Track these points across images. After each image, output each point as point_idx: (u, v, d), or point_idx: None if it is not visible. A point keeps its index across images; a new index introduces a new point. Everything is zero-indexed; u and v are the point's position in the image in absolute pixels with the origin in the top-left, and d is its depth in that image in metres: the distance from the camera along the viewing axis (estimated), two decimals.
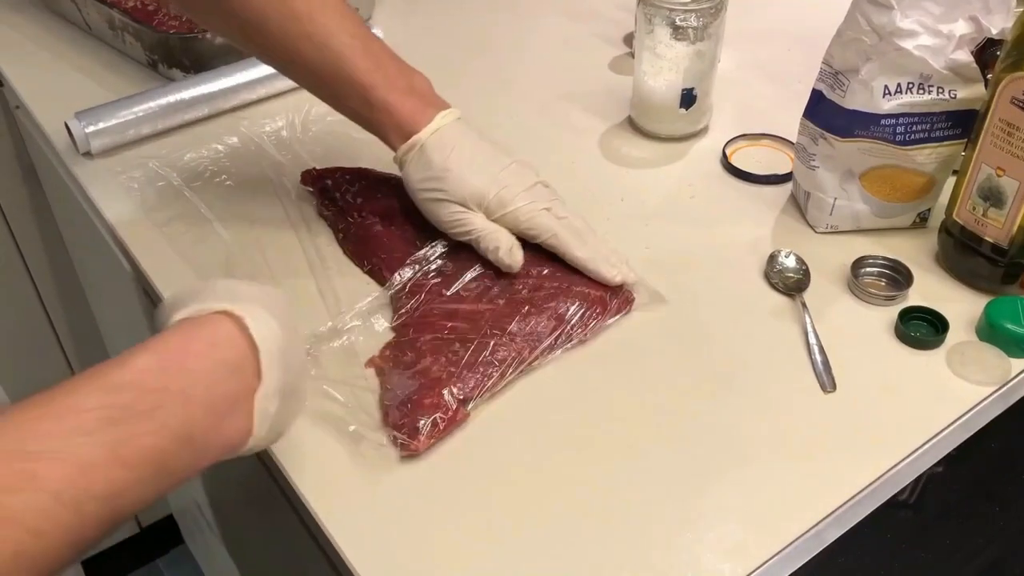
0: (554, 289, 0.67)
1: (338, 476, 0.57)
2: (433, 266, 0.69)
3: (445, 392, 0.59)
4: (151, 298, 0.74)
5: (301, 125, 0.88)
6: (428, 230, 0.71)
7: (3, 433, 0.36)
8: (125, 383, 0.40)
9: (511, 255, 0.67)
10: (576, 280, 0.67)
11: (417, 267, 0.69)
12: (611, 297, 0.67)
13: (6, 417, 0.37)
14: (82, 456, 0.37)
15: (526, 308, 0.65)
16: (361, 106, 0.68)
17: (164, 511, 1.50)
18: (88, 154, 0.83)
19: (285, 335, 0.47)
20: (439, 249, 0.70)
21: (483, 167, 0.68)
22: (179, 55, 0.92)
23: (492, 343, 0.62)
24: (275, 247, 0.74)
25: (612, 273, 0.67)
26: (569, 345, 0.65)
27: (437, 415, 0.58)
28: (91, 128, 0.82)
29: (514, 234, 0.68)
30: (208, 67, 0.91)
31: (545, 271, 0.68)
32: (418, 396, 0.59)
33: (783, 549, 0.53)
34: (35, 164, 1.09)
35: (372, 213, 0.74)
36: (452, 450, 0.58)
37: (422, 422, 0.58)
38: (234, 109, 0.90)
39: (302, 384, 0.51)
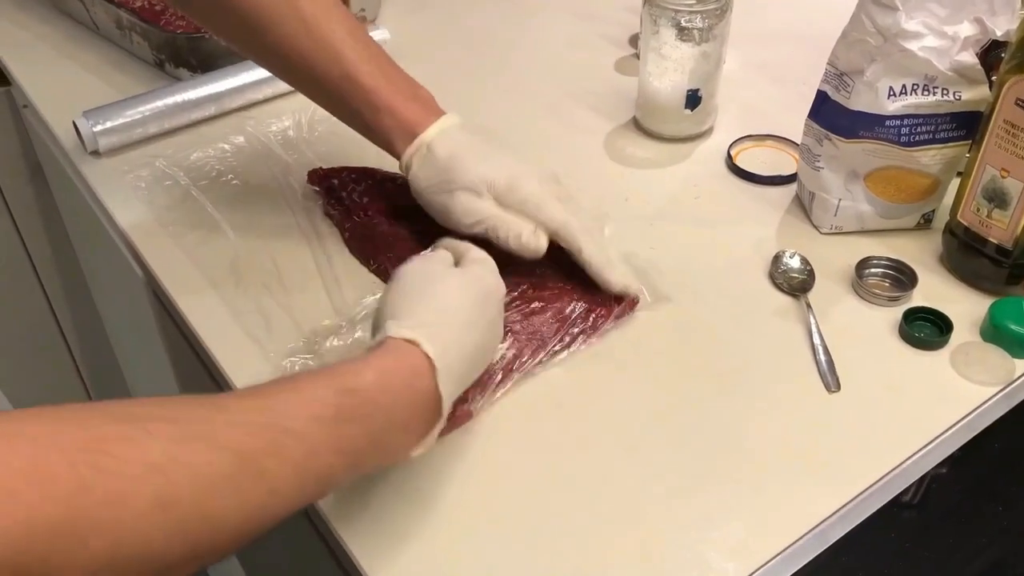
0: (558, 289, 0.67)
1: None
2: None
3: None
4: (158, 297, 0.75)
5: (307, 125, 0.88)
6: (434, 229, 0.72)
7: (263, 406, 0.44)
8: (356, 390, 0.47)
9: (536, 237, 0.64)
10: (580, 281, 0.67)
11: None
12: (615, 299, 0.67)
13: (263, 391, 0.45)
14: (316, 440, 0.44)
15: (530, 308, 0.65)
16: (365, 109, 0.67)
17: None
18: (96, 153, 0.84)
19: (465, 367, 0.54)
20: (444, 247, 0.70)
21: (491, 156, 0.67)
22: (186, 55, 0.92)
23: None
24: (281, 246, 0.74)
25: (616, 278, 0.66)
26: (573, 345, 0.65)
27: None
28: (99, 127, 0.82)
29: None
30: (215, 67, 0.91)
31: (549, 271, 0.68)
32: None
33: (787, 548, 0.53)
34: (42, 163, 1.10)
35: (378, 212, 0.74)
36: (456, 449, 0.59)
37: None
38: (241, 109, 0.90)
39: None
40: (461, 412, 0.59)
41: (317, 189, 0.79)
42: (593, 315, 0.66)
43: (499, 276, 0.60)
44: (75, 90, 0.94)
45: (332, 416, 0.45)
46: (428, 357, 0.50)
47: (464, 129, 0.69)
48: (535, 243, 0.64)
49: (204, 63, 0.92)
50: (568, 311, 0.65)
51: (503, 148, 0.69)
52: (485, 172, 0.65)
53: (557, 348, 0.64)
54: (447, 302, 0.55)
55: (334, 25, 0.66)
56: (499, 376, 0.61)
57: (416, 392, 0.50)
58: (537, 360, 0.63)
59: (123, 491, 0.36)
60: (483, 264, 0.59)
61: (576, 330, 0.65)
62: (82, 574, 0.34)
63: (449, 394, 0.51)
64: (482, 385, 0.60)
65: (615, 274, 0.66)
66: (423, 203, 0.69)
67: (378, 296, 0.68)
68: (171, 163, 0.84)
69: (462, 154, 0.66)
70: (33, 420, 0.35)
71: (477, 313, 0.56)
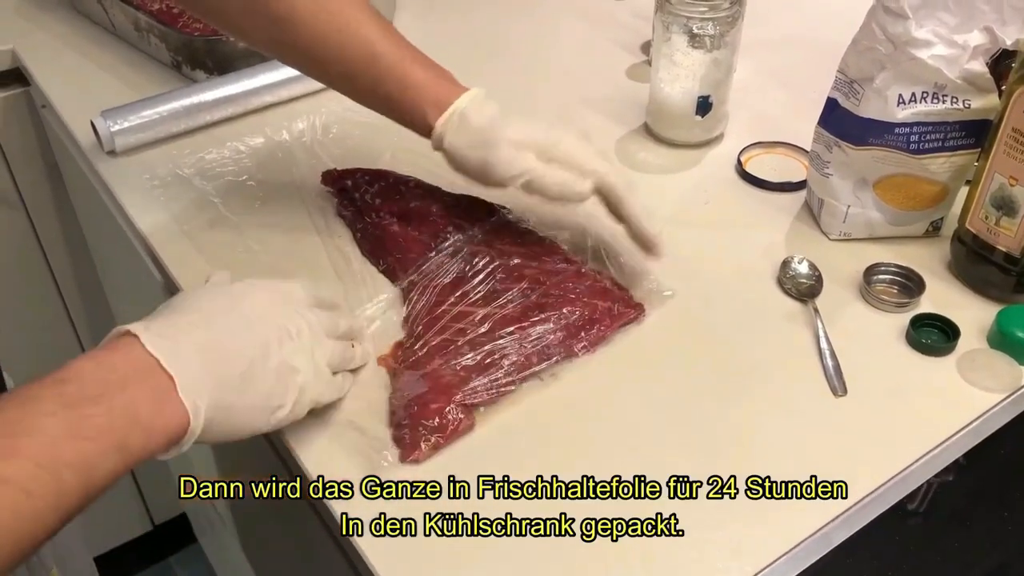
0: (564, 295, 0.67)
1: (357, 476, 0.58)
2: (445, 267, 0.70)
3: (452, 401, 0.60)
4: (172, 294, 0.76)
5: (322, 127, 0.89)
6: (445, 232, 0.72)
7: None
8: (70, 377, 0.46)
9: (582, 182, 0.66)
10: (587, 287, 0.68)
11: (430, 267, 0.70)
12: (622, 304, 0.67)
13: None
14: (49, 431, 0.43)
15: (536, 313, 0.66)
16: (395, 87, 0.68)
17: (177, 509, 1.52)
18: (112, 152, 0.85)
19: (202, 348, 0.51)
20: (453, 250, 0.71)
21: (526, 119, 0.69)
22: (203, 57, 0.93)
23: (501, 347, 0.63)
24: (295, 246, 0.75)
25: (655, 229, 0.68)
26: (579, 350, 0.65)
27: (441, 421, 0.59)
28: (116, 127, 0.83)
29: None
30: (231, 69, 0.93)
31: (556, 277, 0.69)
32: (425, 400, 0.60)
33: (791, 550, 0.53)
34: (59, 163, 1.11)
35: (389, 213, 0.75)
36: (462, 453, 0.59)
37: (425, 430, 0.58)
38: (256, 110, 0.91)
39: (241, 392, 0.52)
40: (463, 423, 0.59)
41: (331, 190, 0.80)
42: (598, 323, 0.66)
43: (277, 289, 0.58)
44: (93, 91, 0.95)
45: (55, 404, 0.44)
46: (130, 332, 0.49)
47: (492, 100, 0.70)
48: (580, 187, 0.66)
49: (220, 65, 0.93)
50: (573, 319, 0.66)
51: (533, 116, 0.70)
52: (526, 129, 0.67)
53: (562, 355, 0.64)
54: (179, 301, 0.55)
55: (358, 13, 0.68)
56: (503, 381, 0.62)
57: (142, 365, 0.48)
58: (542, 365, 0.63)
59: None
60: (252, 284, 0.57)
61: (582, 336, 0.65)
62: None
63: (171, 359, 0.48)
64: (486, 390, 0.61)
65: (655, 225, 0.69)
66: (459, 165, 0.69)
67: (385, 296, 0.69)
68: (188, 164, 0.85)
69: (498, 117, 0.68)
70: None
71: (220, 306, 0.54)
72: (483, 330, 0.65)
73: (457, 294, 0.68)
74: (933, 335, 0.66)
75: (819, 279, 0.71)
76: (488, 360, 0.62)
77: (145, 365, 0.48)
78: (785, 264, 0.72)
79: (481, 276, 0.69)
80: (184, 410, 0.48)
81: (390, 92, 0.69)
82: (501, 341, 0.64)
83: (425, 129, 0.69)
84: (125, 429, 0.46)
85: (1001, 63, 0.67)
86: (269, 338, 0.54)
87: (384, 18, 0.70)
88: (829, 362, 0.64)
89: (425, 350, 0.64)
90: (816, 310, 0.68)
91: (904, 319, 0.67)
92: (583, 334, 0.65)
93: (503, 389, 0.61)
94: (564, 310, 0.66)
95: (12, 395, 0.45)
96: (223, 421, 0.51)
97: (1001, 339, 0.65)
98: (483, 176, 0.68)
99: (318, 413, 0.61)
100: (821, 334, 0.66)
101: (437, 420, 0.59)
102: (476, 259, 0.70)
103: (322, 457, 0.59)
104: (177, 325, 0.52)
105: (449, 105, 0.68)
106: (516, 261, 0.70)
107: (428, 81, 0.68)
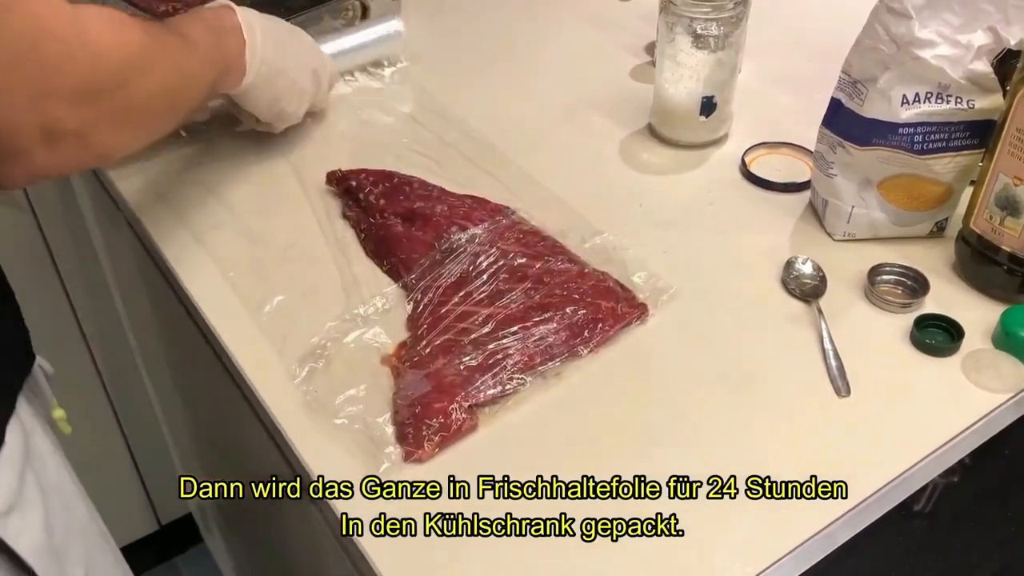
0: (568, 295, 0.67)
1: (359, 475, 0.58)
2: (449, 267, 0.70)
3: (455, 400, 0.60)
4: (179, 297, 0.76)
5: (328, 126, 0.90)
6: (448, 232, 0.73)
7: (168, 26, 0.68)
8: (206, 27, 0.71)
9: None
10: (591, 287, 0.68)
11: (434, 267, 0.70)
12: (626, 304, 0.68)
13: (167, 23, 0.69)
14: (206, 42, 0.70)
15: (540, 312, 0.66)
16: None
17: (183, 509, 1.52)
18: None
19: (267, 32, 0.77)
20: (457, 250, 0.71)
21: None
22: None
23: (504, 347, 0.63)
24: (300, 246, 0.76)
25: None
26: (582, 350, 0.65)
27: (445, 421, 0.59)
28: None
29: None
30: None
31: (560, 277, 0.69)
32: (428, 399, 0.60)
33: (794, 549, 0.53)
34: None
35: (394, 214, 0.75)
36: (464, 455, 0.59)
37: (428, 430, 0.59)
38: None
39: (285, 67, 0.79)
40: (467, 423, 0.60)
41: (335, 190, 0.80)
42: (601, 323, 0.66)
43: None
44: None
45: (208, 29, 0.71)
46: (228, 7, 0.74)
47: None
48: None
49: None
50: (576, 319, 0.66)
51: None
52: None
53: (565, 355, 0.64)
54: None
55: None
56: (506, 381, 0.62)
57: (230, 29, 0.73)
58: (545, 365, 0.63)
59: (175, 56, 0.65)
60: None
61: (584, 337, 0.65)
62: (155, 82, 0.61)
63: (252, 34, 0.74)
64: (490, 390, 0.61)
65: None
66: (248, 101, 0.80)
67: (388, 295, 0.70)
68: (193, 163, 0.85)
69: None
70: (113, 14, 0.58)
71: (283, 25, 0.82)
72: (487, 330, 0.65)
73: (461, 294, 0.68)
74: (937, 336, 0.66)
75: (823, 279, 0.71)
76: (491, 360, 0.63)
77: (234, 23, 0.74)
78: (789, 264, 0.72)
79: (485, 276, 0.69)
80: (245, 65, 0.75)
81: None
82: (504, 341, 0.64)
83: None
84: (231, 61, 0.74)
85: (1005, 63, 0.67)
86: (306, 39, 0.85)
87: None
88: (833, 362, 0.64)
89: (429, 350, 0.64)
90: (820, 310, 0.68)
91: (908, 319, 0.67)
92: (586, 334, 0.65)
93: (506, 389, 0.62)
94: (567, 310, 0.66)
95: (179, 19, 0.71)
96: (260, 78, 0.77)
97: (1005, 339, 0.65)
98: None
99: (322, 409, 0.61)
100: (825, 334, 0.66)
101: (441, 420, 0.59)
102: (480, 259, 0.70)
103: (325, 455, 0.59)
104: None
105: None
106: (520, 261, 0.70)
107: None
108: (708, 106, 0.84)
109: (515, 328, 0.65)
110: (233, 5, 0.75)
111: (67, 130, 0.53)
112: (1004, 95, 0.67)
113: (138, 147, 0.64)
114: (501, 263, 0.70)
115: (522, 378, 0.62)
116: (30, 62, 0.50)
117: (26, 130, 0.51)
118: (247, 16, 0.75)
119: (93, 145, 0.56)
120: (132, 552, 1.51)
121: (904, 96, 0.68)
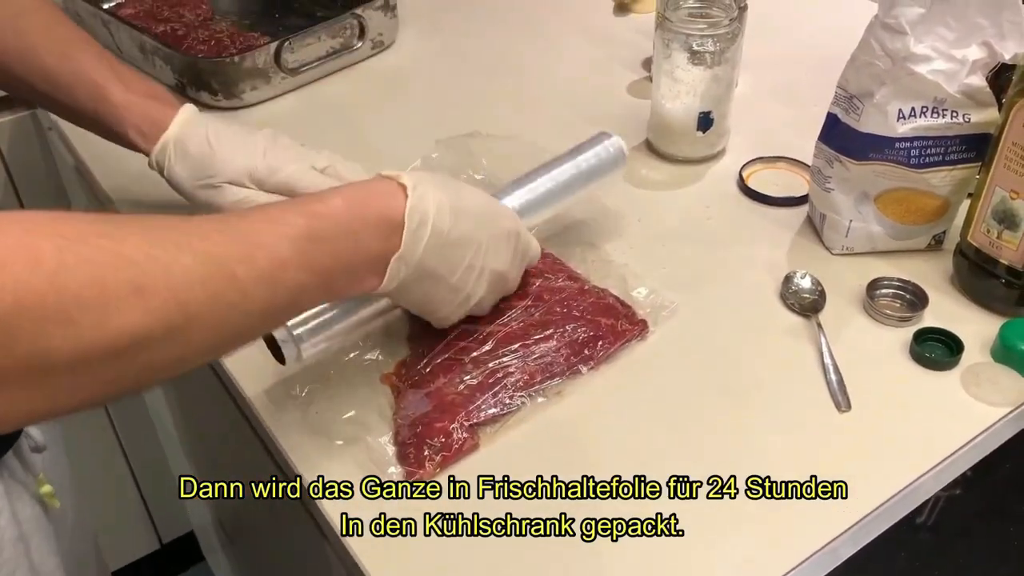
0: (568, 312, 0.67)
1: (357, 491, 0.58)
2: None
3: (456, 419, 0.60)
4: None
5: None
6: None
7: (236, 226, 0.48)
8: (323, 214, 0.51)
9: None
10: (591, 304, 0.68)
11: None
12: (626, 320, 0.68)
13: (235, 216, 0.51)
14: (284, 254, 0.48)
15: (540, 330, 0.66)
16: (98, 104, 0.69)
17: (185, 527, 1.52)
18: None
19: (441, 227, 0.57)
20: None
21: (242, 141, 0.70)
22: (207, 78, 0.94)
23: (504, 365, 0.63)
24: None
25: None
26: (582, 368, 0.65)
27: (446, 440, 0.59)
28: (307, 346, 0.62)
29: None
30: (235, 91, 0.93)
31: (560, 294, 0.69)
32: (429, 419, 0.60)
33: (797, 566, 0.53)
34: (65, 185, 1.12)
35: None
36: (465, 465, 0.60)
37: (429, 450, 0.59)
38: None
39: (449, 272, 0.59)
40: (467, 442, 0.60)
41: None
42: (602, 341, 0.66)
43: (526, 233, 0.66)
44: None
45: (300, 235, 0.49)
46: (402, 184, 0.55)
47: (202, 114, 0.72)
48: None
49: (225, 87, 0.94)
50: (577, 337, 0.66)
51: (243, 126, 0.72)
52: (243, 163, 0.69)
53: (566, 373, 0.64)
54: (452, 181, 0.61)
55: (58, 27, 0.70)
56: (507, 400, 0.62)
57: (384, 222, 0.54)
58: (546, 383, 0.63)
59: (102, 276, 0.40)
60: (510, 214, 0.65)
61: (585, 355, 0.65)
62: (71, 349, 0.38)
63: (416, 237, 0.55)
64: (490, 410, 0.61)
65: None
66: (192, 200, 0.71)
67: (388, 310, 0.70)
68: None
69: (214, 145, 0.69)
70: (27, 216, 0.39)
71: (478, 206, 0.60)
72: (487, 348, 0.65)
73: None
74: (937, 349, 0.66)
75: (822, 294, 0.71)
76: (492, 379, 0.63)
77: (389, 219, 0.54)
78: (788, 279, 0.72)
79: None
80: (382, 278, 0.55)
81: (94, 108, 0.70)
82: (505, 359, 0.64)
83: (137, 150, 0.71)
84: (338, 273, 0.53)
85: (1000, 77, 0.67)
86: (482, 239, 0.60)
87: (87, 39, 0.72)
88: (833, 377, 0.64)
89: (429, 368, 0.64)
90: (819, 325, 0.68)
91: (907, 333, 0.67)
92: (587, 352, 0.65)
93: (507, 408, 0.62)
94: (568, 327, 0.66)
95: (267, 212, 0.51)
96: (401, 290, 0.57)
97: (1005, 353, 0.65)
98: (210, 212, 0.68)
99: (322, 429, 0.61)
100: (824, 349, 0.66)
101: (442, 439, 0.59)
102: None
103: (326, 477, 0.59)
104: (429, 188, 0.57)
105: (160, 131, 0.69)
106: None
107: (133, 101, 0.69)
108: (705, 121, 0.84)
109: (516, 346, 0.65)
110: (409, 182, 0.55)
111: None
112: (999, 109, 0.67)
113: (79, 409, 0.42)
114: None
115: (523, 397, 0.62)
116: None
117: None
118: (423, 199, 0.55)
119: None
120: (134, 571, 1.51)
121: (900, 111, 0.68)
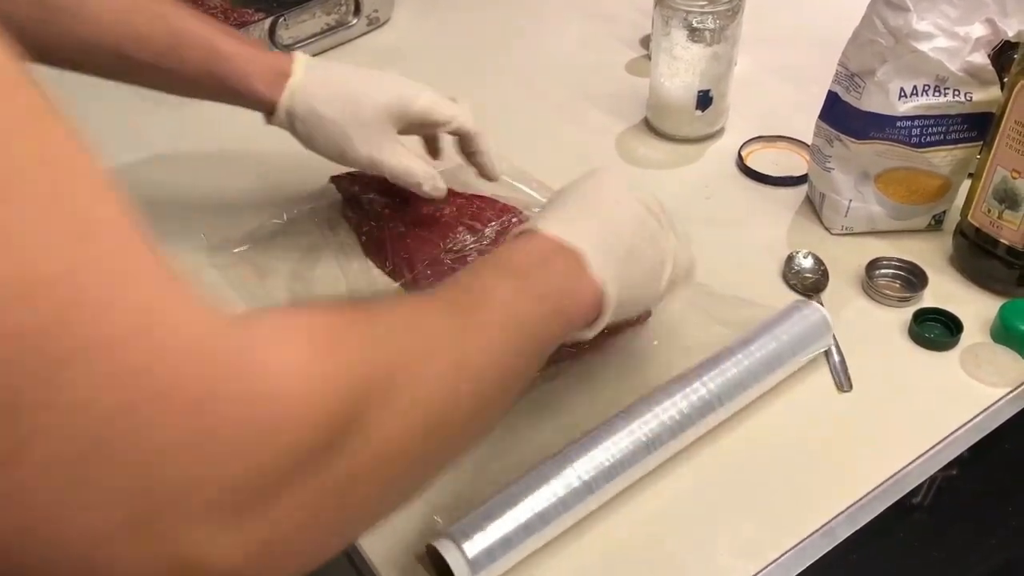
0: None
1: None
2: (454, 268, 0.70)
3: None
4: None
5: None
6: (455, 233, 0.72)
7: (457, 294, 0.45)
8: (497, 262, 0.49)
9: (434, 182, 0.69)
10: None
11: (438, 268, 0.70)
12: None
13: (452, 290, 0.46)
14: (500, 297, 0.45)
15: None
16: (211, 61, 0.64)
17: None
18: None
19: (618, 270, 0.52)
20: (462, 252, 0.70)
21: (368, 77, 0.68)
22: None
23: None
24: (301, 249, 0.75)
25: (499, 170, 0.73)
26: (584, 351, 0.64)
27: None
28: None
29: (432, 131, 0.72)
30: None
31: None
32: None
33: (795, 545, 0.53)
34: None
35: (398, 218, 0.74)
36: (471, 458, 0.59)
37: None
38: None
39: (631, 263, 0.53)
40: None
41: (338, 191, 0.79)
42: (608, 330, 0.65)
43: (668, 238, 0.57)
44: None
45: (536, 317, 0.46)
46: (578, 251, 0.50)
47: (316, 61, 0.68)
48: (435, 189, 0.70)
49: None
50: None
51: (355, 65, 0.70)
52: (383, 99, 0.67)
53: (567, 357, 0.64)
54: (555, 199, 0.55)
55: (165, 5, 0.65)
56: None
57: (583, 311, 0.50)
58: (548, 368, 0.63)
59: (430, 349, 0.38)
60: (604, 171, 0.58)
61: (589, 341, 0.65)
62: (398, 425, 0.34)
63: (607, 278, 0.50)
64: None
65: (499, 164, 0.73)
66: (313, 144, 0.68)
67: (389, 291, 0.69)
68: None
69: (347, 86, 0.67)
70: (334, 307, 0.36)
71: (639, 239, 0.54)
72: None
73: None
74: (936, 330, 0.66)
75: (824, 274, 0.71)
76: None
77: (553, 247, 0.49)
78: (790, 259, 0.72)
79: None
80: (596, 281, 0.49)
81: (205, 64, 0.64)
82: None
83: (266, 104, 0.66)
84: (558, 296, 0.48)
85: (1003, 55, 0.67)
86: (638, 213, 0.55)
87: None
88: (835, 357, 0.64)
89: None
90: (821, 305, 0.68)
91: (907, 314, 0.67)
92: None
93: None
94: None
95: (455, 281, 0.47)
96: (625, 294, 0.51)
97: (1004, 333, 0.65)
98: (338, 156, 0.67)
99: None
100: None
101: None
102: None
103: None
104: (565, 213, 0.53)
105: (283, 74, 0.65)
106: None
107: (248, 50, 0.65)
108: (704, 100, 0.84)
109: None
110: (599, 281, 0.50)
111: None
112: (1002, 87, 0.67)
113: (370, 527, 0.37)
114: None
115: None
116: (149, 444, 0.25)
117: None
118: (609, 300, 0.50)
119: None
120: None
121: (902, 89, 0.67)
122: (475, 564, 0.49)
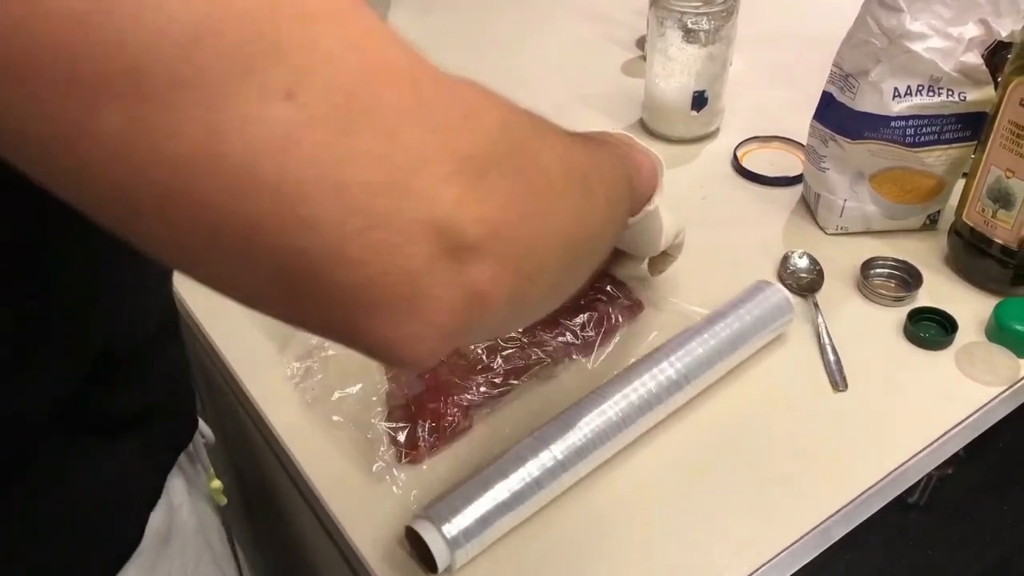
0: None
1: (355, 475, 0.58)
2: None
3: (450, 400, 0.60)
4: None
5: None
6: None
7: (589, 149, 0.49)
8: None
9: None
10: (587, 286, 0.68)
11: None
12: (622, 304, 0.67)
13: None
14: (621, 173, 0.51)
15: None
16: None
17: None
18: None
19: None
20: None
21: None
22: None
23: (500, 347, 0.63)
24: None
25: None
26: (577, 350, 0.65)
27: (439, 422, 0.59)
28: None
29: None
30: None
31: None
32: (423, 400, 0.60)
33: (791, 545, 0.53)
34: None
35: None
36: (459, 452, 0.59)
37: (423, 430, 0.58)
38: None
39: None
40: (461, 423, 0.59)
41: None
42: (597, 323, 0.65)
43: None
44: None
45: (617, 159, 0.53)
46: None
47: None
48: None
49: None
50: (573, 320, 0.65)
51: None
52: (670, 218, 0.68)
53: (561, 355, 0.64)
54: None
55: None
56: (502, 382, 0.61)
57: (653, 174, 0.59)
58: (540, 367, 0.63)
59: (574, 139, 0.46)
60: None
61: (580, 336, 0.65)
62: (552, 157, 0.40)
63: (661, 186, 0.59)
64: (484, 392, 0.61)
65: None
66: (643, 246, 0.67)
67: None
68: None
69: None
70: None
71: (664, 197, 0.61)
72: None
73: None
74: (931, 329, 0.66)
75: (819, 273, 0.71)
76: (486, 360, 0.62)
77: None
78: (785, 259, 0.72)
79: None
80: (650, 160, 0.59)
81: None
82: (500, 341, 0.64)
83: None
84: (633, 165, 0.56)
85: (996, 55, 0.67)
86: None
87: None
88: (831, 357, 0.64)
89: None
90: (816, 305, 0.68)
91: (902, 313, 0.67)
92: (582, 333, 0.65)
93: (501, 389, 0.61)
94: (564, 310, 0.66)
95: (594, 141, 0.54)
96: (651, 222, 0.60)
97: (999, 332, 0.65)
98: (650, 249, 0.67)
99: (316, 407, 0.61)
100: (822, 329, 0.66)
101: (435, 420, 0.59)
102: None
103: (319, 455, 0.59)
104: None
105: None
106: None
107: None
108: (700, 100, 0.84)
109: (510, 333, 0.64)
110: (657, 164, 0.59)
111: (472, 237, 0.30)
112: (995, 87, 0.67)
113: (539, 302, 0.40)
114: None
115: (517, 378, 0.62)
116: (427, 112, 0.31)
117: (418, 235, 0.29)
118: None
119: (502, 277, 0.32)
120: None
121: (896, 89, 0.68)
122: (454, 543, 0.50)
